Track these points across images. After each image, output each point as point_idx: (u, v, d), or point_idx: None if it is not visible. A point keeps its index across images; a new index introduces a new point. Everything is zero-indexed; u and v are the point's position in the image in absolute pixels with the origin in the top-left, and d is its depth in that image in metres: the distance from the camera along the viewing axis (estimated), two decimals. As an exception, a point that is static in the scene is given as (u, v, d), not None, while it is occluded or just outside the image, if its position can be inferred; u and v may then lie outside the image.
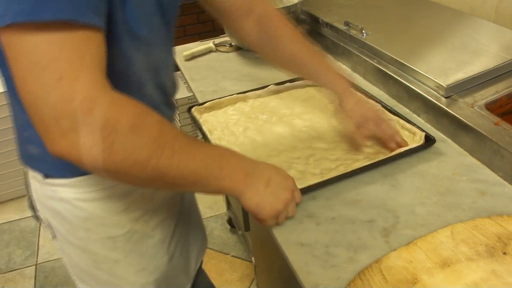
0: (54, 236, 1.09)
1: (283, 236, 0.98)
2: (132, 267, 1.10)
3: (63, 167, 0.92)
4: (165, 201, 1.11)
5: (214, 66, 1.76)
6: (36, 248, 2.74)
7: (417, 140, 1.19)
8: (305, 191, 1.06)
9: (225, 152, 0.90)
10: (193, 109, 1.42)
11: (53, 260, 2.64)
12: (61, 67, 0.65)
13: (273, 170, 0.95)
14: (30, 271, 2.61)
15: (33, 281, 2.55)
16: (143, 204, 1.04)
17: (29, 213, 2.87)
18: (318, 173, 1.14)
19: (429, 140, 1.19)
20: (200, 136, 1.34)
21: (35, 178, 1.00)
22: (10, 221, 2.97)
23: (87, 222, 1.01)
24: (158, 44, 0.95)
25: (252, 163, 0.93)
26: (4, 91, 0.89)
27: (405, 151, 1.16)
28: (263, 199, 0.91)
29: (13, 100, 0.91)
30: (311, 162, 1.17)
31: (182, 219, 1.20)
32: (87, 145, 0.68)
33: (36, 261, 2.66)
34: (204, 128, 1.34)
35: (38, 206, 1.06)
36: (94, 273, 1.11)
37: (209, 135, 1.30)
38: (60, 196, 0.98)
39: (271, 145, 1.25)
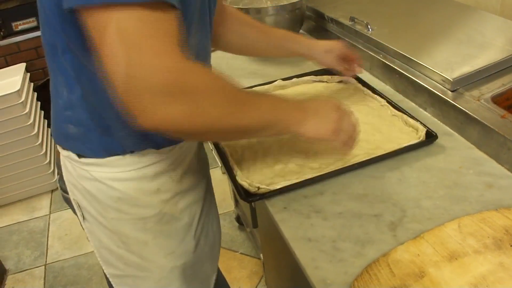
0: (83, 218, 1.11)
1: (291, 232, 0.98)
2: (161, 250, 1.12)
3: (98, 147, 0.97)
4: (192, 185, 1.14)
5: (221, 64, 1.76)
6: (45, 249, 2.76)
7: (419, 136, 1.18)
8: (302, 185, 1.08)
9: (279, 99, 0.99)
10: None
11: (62, 260, 2.66)
12: (154, 43, 0.70)
13: (316, 102, 1.06)
14: (40, 271, 2.63)
15: (42, 281, 2.56)
16: (172, 186, 1.08)
17: (38, 213, 2.91)
18: (317, 167, 1.14)
19: (429, 136, 1.19)
20: None
21: (69, 158, 1.03)
22: (19, 222, 2.98)
23: (119, 203, 1.03)
24: (201, 28, 0.99)
25: (300, 102, 1.03)
26: (51, 72, 0.95)
27: (405, 147, 1.16)
28: (317, 126, 0.99)
29: (58, 80, 0.94)
30: (310, 157, 1.18)
31: (205, 207, 1.23)
32: (178, 112, 0.73)
33: (45, 262, 2.68)
34: None
35: (70, 187, 1.08)
36: (123, 256, 1.12)
37: None
38: (93, 176, 1.00)
39: (274, 139, 1.25)
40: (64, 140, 1.02)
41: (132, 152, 0.99)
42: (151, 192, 1.05)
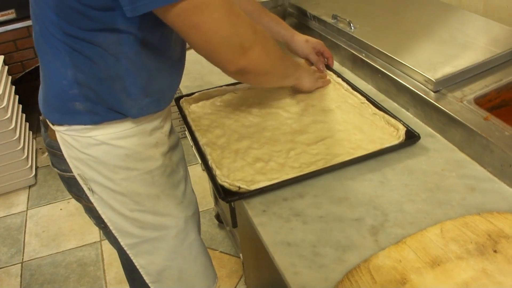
0: (92, 192, 1.14)
1: (270, 236, 0.96)
2: (172, 201, 1.21)
3: (103, 118, 1.04)
4: (176, 142, 1.26)
5: (201, 61, 1.72)
6: (22, 246, 2.71)
7: (399, 136, 1.17)
8: (282, 185, 1.08)
9: (294, 61, 1.35)
10: (181, 100, 1.43)
11: (39, 258, 2.61)
12: (236, 9, 0.94)
13: (303, 71, 1.40)
14: (16, 269, 2.58)
15: (19, 279, 2.51)
16: (165, 140, 1.18)
17: (15, 209, 2.87)
18: (297, 166, 1.12)
19: (412, 136, 1.18)
20: (185, 127, 1.36)
21: (69, 130, 1.06)
22: (-4, 219, 2.93)
23: (126, 160, 1.09)
24: None
25: (298, 68, 1.36)
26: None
27: (387, 148, 1.14)
28: (307, 82, 1.41)
29: (59, 62, 0.99)
30: (291, 156, 1.16)
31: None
32: (258, 55, 1.00)
33: (22, 259, 2.63)
34: (189, 119, 1.35)
35: (72, 163, 1.11)
36: (138, 218, 1.17)
37: (193, 127, 1.31)
38: (98, 140, 1.06)
39: (254, 137, 1.25)
40: (68, 116, 1.05)
41: (135, 116, 1.07)
42: (151, 145, 1.13)
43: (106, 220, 1.18)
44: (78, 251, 2.60)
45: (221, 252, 2.46)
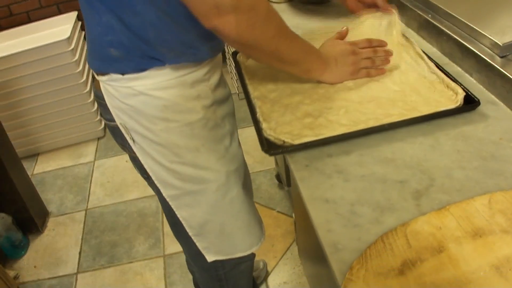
0: (133, 141, 1.16)
1: (309, 191, 0.94)
2: (212, 154, 1.20)
3: (139, 65, 1.04)
4: (224, 98, 1.24)
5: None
6: (87, 194, 2.82)
7: (457, 100, 1.11)
8: (329, 141, 1.05)
9: (311, 47, 1.16)
10: (238, 54, 1.42)
11: (102, 206, 2.71)
12: None
13: (335, 50, 1.22)
14: (80, 216, 2.69)
15: (82, 225, 2.63)
16: (210, 93, 1.16)
17: (83, 160, 2.99)
18: (346, 124, 1.09)
19: (471, 101, 1.11)
20: (238, 80, 1.35)
21: (110, 81, 1.08)
22: (64, 167, 3.06)
23: (165, 111, 1.09)
24: None
25: (323, 54, 1.20)
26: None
27: (443, 111, 1.09)
28: (336, 73, 1.22)
29: (95, 8, 1.00)
30: (342, 113, 1.13)
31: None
32: (236, 23, 0.93)
33: (87, 207, 2.74)
34: (244, 72, 1.34)
35: (115, 112, 1.14)
36: (178, 170, 1.18)
37: (246, 80, 1.30)
38: (137, 90, 1.07)
39: (307, 93, 1.22)
40: (107, 64, 1.07)
41: (173, 63, 1.07)
42: (192, 97, 1.12)
43: (148, 170, 1.20)
44: (139, 202, 2.68)
45: (278, 212, 2.47)
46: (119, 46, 1.02)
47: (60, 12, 3.31)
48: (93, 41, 1.07)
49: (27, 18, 3.30)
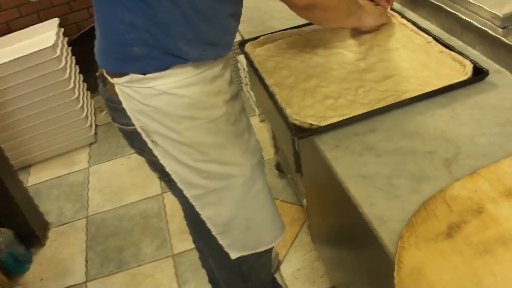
0: (155, 144, 1.15)
1: (343, 170, 0.98)
2: (237, 149, 1.20)
3: (161, 63, 1.03)
4: (237, 92, 1.23)
5: (260, 7, 1.74)
6: (86, 201, 2.80)
7: (466, 72, 1.15)
8: (353, 121, 1.08)
9: (360, 18, 1.34)
10: (246, 45, 1.44)
11: (103, 212, 2.70)
12: None
13: (364, 10, 1.36)
14: (82, 223, 2.68)
15: (84, 233, 2.62)
16: (227, 88, 1.16)
17: (77, 167, 2.97)
18: (367, 103, 1.13)
19: (480, 72, 1.16)
20: (251, 69, 1.36)
21: (129, 82, 1.07)
22: (59, 176, 3.03)
23: (189, 109, 1.09)
24: None
25: (360, 7, 1.34)
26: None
27: (456, 83, 1.14)
28: (371, 20, 1.38)
29: (116, 6, 0.99)
30: (360, 93, 1.17)
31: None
32: None
33: (87, 214, 2.72)
34: (255, 61, 1.36)
35: (134, 116, 1.12)
36: (203, 169, 1.17)
37: (259, 69, 1.32)
38: (160, 90, 1.06)
39: (322, 76, 1.25)
40: (127, 63, 1.06)
41: (194, 61, 1.06)
42: (214, 93, 1.11)
43: (170, 173, 1.19)
44: (141, 204, 2.68)
45: (282, 200, 2.49)
46: (143, 44, 1.01)
47: (40, 19, 3.29)
48: (112, 40, 1.06)
49: (8, 28, 3.28)
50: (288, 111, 1.11)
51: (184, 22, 0.99)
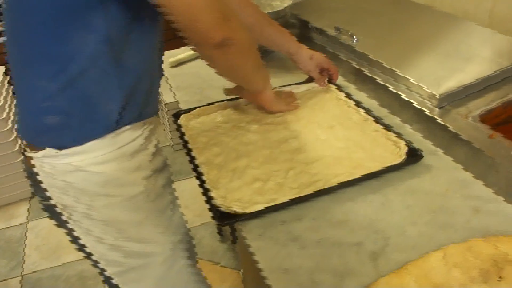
0: (73, 220, 1.10)
1: (266, 262, 0.93)
2: (156, 227, 1.16)
3: (78, 134, 0.99)
4: (161, 165, 1.20)
5: (201, 74, 1.71)
6: (22, 259, 2.68)
7: (401, 154, 1.13)
8: (280, 208, 1.04)
9: (265, 78, 1.29)
10: (181, 117, 1.40)
11: (39, 271, 2.59)
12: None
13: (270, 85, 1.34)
14: (15, 282, 2.55)
15: (18, 292, 2.50)
16: (149, 163, 1.12)
17: (15, 221, 2.84)
18: (296, 187, 1.09)
19: (415, 154, 1.14)
20: (183, 142, 1.33)
21: (45, 158, 1.02)
22: (-4, 230, 2.91)
23: (105, 187, 1.04)
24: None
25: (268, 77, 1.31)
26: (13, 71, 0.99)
27: (389, 167, 1.11)
28: (273, 99, 1.36)
29: (33, 72, 0.95)
30: (290, 176, 1.13)
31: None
32: (238, 25, 0.97)
33: (22, 272, 2.60)
34: (186, 136, 1.32)
35: (51, 191, 1.07)
36: (122, 246, 1.13)
37: (190, 145, 1.28)
38: (75, 167, 1.01)
39: (253, 156, 1.21)
40: (41, 134, 1.01)
41: (114, 129, 1.02)
42: (132, 169, 1.08)
43: (90, 249, 1.14)
44: (78, 265, 2.57)
45: (222, 266, 2.42)
46: (58, 112, 0.97)
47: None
48: (25, 110, 1.03)
49: None
50: (214, 194, 1.06)
51: (106, 79, 0.96)
